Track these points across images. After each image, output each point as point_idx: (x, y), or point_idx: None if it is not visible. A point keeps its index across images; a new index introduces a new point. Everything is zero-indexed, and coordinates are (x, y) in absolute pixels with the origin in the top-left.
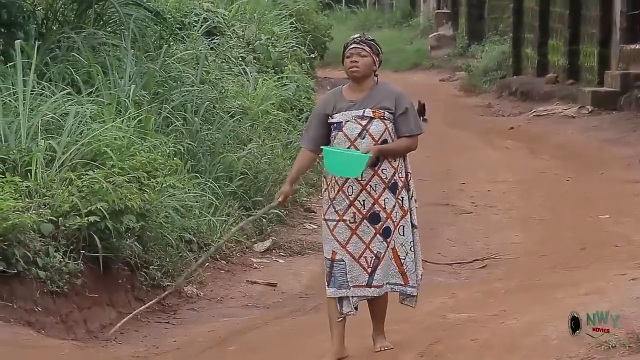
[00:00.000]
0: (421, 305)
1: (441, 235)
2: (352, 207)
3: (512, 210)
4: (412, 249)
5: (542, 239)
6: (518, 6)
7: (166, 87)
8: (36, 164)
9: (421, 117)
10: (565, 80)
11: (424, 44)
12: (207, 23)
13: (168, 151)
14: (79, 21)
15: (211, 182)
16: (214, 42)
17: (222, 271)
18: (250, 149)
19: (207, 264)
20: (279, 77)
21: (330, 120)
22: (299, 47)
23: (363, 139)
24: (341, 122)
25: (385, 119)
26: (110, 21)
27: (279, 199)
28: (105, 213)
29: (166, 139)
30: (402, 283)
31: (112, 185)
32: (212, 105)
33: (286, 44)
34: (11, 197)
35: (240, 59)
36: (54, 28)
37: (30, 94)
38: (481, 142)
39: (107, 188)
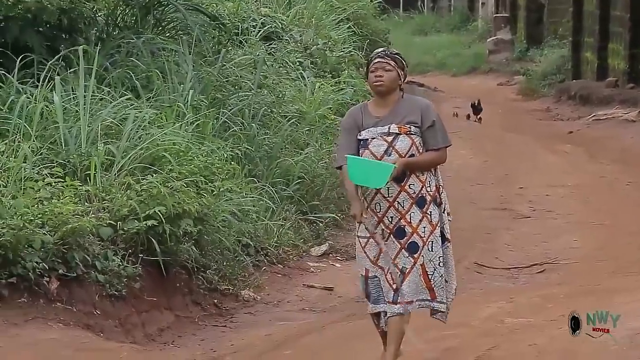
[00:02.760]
0: (479, 310)
1: (499, 239)
2: (381, 223)
3: (571, 214)
4: (440, 264)
5: (601, 243)
6: (578, 10)
7: (224, 91)
8: (95, 169)
9: (476, 116)
10: (626, 84)
11: (482, 48)
12: (265, 28)
13: (226, 156)
14: (138, 27)
15: (268, 187)
16: (272, 47)
17: (278, 275)
18: (308, 153)
19: (264, 267)
20: (336, 82)
21: (358, 137)
22: (356, 52)
23: (389, 155)
24: (367, 139)
25: (411, 134)
26: (169, 26)
27: (365, 216)
28: (163, 217)
29: (224, 143)
30: (429, 298)
31: (170, 190)
32: (269, 110)
33: (343, 48)
34: (71, 201)
35: (298, 64)
36: (114, 33)
37: (91, 99)
38: (540, 146)
39: (165, 192)
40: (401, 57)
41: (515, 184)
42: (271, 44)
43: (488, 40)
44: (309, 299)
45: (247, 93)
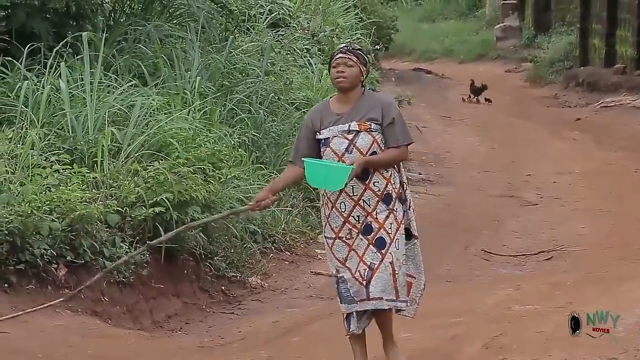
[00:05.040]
0: (486, 297)
1: (506, 227)
2: (347, 223)
3: (579, 202)
4: (404, 262)
5: (608, 231)
6: None
7: (231, 78)
8: (102, 155)
9: (476, 97)
10: (634, 70)
11: (489, 34)
12: (272, 15)
13: (233, 142)
14: (145, 13)
15: (275, 174)
16: (279, 34)
17: (286, 262)
18: None
19: (271, 255)
20: None
21: (318, 136)
22: (364, 39)
23: (350, 153)
24: (328, 137)
25: (372, 131)
26: (177, 13)
27: (251, 203)
28: (170, 204)
29: (231, 130)
30: (394, 298)
31: (177, 177)
32: (276, 97)
33: (351, 35)
34: (78, 188)
35: (305, 51)
36: (121, 20)
37: (98, 85)
38: (547, 133)
39: (172, 179)
40: (364, 53)
41: (523, 170)
42: (278, 31)
43: (496, 27)
44: (316, 286)
45: (255, 80)
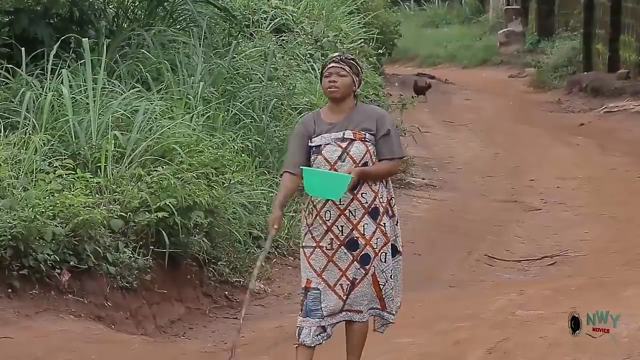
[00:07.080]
0: (490, 302)
1: (510, 232)
2: (329, 232)
3: (582, 207)
4: (392, 276)
5: (612, 236)
6: (589, 1)
7: (235, 84)
8: (106, 161)
9: (418, 95)
10: (637, 76)
11: (493, 40)
12: (276, 20)
13: (236, 148)
14: (149, 19)
15: (279, 179)
16: (282, 39)
17: (289, 267)
18: None
19: (275, 260)
20: None
21: (310, 144)
22: (367, 44)
23: (343, 161)
24: (321, 145)
25: (366, 141)
26: (180, 18)
27: (275, 227)
28: (174, 209)
29: (234, 135)
30: (380, 307)
31: (181, 182)
32: (280, 102)
33: (354, 40)
34: (82, 193)
35: (308, 56)
36: (124, 26)
37: (101, 91)
38: (551, 138)
39: (176, 184)
40: (356, 62)
41: (526, 176)
42: (282, 36)
43: (499, 32)
44: None
45: (258, 85)
